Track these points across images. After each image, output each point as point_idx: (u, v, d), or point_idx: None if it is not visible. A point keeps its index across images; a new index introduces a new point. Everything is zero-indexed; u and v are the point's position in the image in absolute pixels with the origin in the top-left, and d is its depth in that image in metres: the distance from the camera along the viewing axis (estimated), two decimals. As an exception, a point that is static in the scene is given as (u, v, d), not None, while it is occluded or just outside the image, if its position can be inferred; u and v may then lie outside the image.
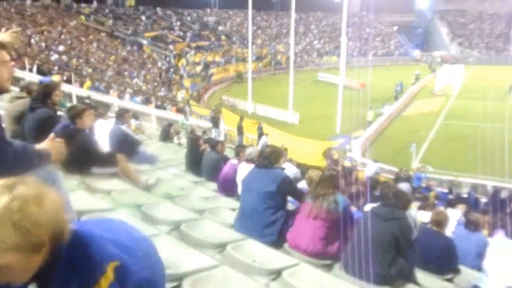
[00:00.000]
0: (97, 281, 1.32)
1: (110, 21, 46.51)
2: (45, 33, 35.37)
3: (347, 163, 16.22)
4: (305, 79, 41.98)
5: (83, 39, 38.37)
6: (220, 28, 57.91)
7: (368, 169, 16.32)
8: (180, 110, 23.45)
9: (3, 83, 2.36)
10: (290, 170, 8.42)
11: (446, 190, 14.81)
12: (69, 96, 15.52)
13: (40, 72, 19.22)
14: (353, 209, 5.20)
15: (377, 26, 67.56)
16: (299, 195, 4.69)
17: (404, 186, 7.61)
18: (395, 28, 70.97)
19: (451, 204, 9.96)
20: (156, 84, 34.32)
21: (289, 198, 4.78)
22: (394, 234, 3.78)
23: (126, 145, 6.42)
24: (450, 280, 4.80)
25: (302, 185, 6.16)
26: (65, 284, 1.32)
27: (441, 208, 7.91)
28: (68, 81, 19.14)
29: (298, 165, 11.25)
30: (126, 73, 33.95)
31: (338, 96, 27.33)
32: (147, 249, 1.70)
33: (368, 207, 4.26)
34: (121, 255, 1.43)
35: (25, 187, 1.26)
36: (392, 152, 21.42)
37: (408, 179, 13.52)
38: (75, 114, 4.89)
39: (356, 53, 57.66)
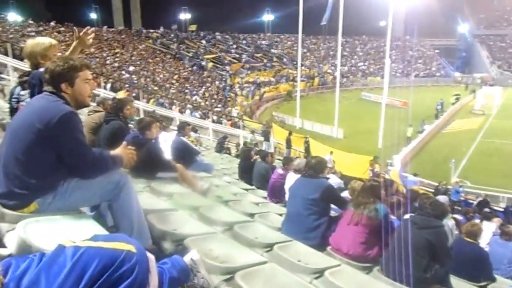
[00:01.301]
0: None
1: (175, 45, 48.01)
2: (118, 55, 36.97)
3: (388, 176, 15.86)
4: (350, 98, 41.44)
5: (150, 60, 39.78)
6: (272, 50, 58.40)
7: (408, 182, 15.90)
8: (234, 125, 23.77)
9: (85, 99, 2.51)
10: (334, 180, 8.36)
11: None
12: (137, 110, 16.13)
13: (113, 89, 20.05)
14: (393, 217, 5.11)
15: (419, 49, 65.80)
16: (341, 203, 4.70)
17: (442, 199, 7.38)
18: (437, 51, 68.96)
19: (487, 217, 9.54)
20: (213, 100, 34.98)
21: (332, 205, 4.78)
22: (429, 241, 3.71)
23: (186, 154, 6.63)
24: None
25: (345, 194, 6.13)
26: None
27: (477, 220, 7.61)
28: (137, 97, 19.90)
29: (342, 177, 11.13)
30: (187, 90, 34.84)
31: (381, 113, 26.86)
32: None
33: (407, 216, 4.20)
34: None
35: None
36: (432, 167, 20.75)
37: (446, 192, 13.08)
38: (144, 126, 5.13)
39: (399, 74, 56.49)
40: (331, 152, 17.80)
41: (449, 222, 5.01)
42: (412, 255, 3.59)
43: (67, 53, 3.55)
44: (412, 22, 57.25)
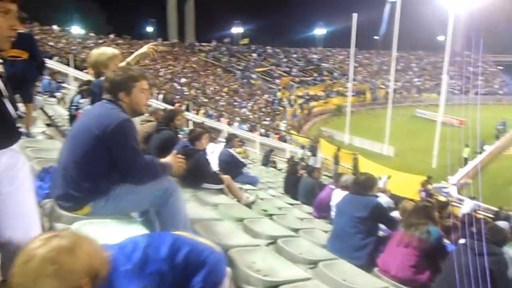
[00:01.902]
0: None
1: (226, 58, 48.93)
2: (171, 67, 38.10)
3: (442, 198, 15.29)
4: (403, 115, 40.39)
5: (201, 72, 40.71)
6: (323, 64, 58.18)
7: (464, 206, 15.21)
8: (281, 139, 23.80)
9: (140, 108, 2.64)
10: (384, 199, 8.17)
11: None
12: (187, 121, 16.53)
13: (165, 100, 20.68)
14: (446, 241, 4.92)
15: (480, 65, 63.22)
16: (391, 223, 4.58)
17: (502, 225, 7.01)
18: (500, 67, 65.91)
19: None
20: (261, 113, 35.23)
21: (381, 225, 4.67)
22: (487, 269, 3.52)
23: (233, 166, 6.72)
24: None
25: (395, 214, 5.97)
26: None
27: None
28: (187, 108, 20.41)
29: (392, 196, 10.84)
30: (236, 103, 35.30)
31: (436, 131, 26.00)
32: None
33: (462, 240, 4.01)
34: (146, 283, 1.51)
35: (60, 239, 1.32)
36: (491, 191, 19.73)
37: (507, 218, 12.38)
38: (195, 136, 5.29)
39: (457, 91, 54.41)
40: (389, 177, 17.13)
41: (509, 250, 4.75)
42: (467, 282, 3.44)
43: (129, 59, 3.74)
44: (473, 37, 55.25)
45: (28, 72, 5.93)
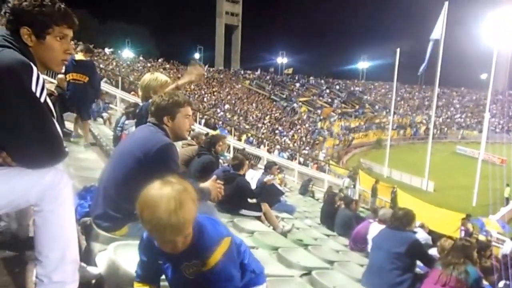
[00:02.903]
0: (213, 251, 1.61)
1: (270, 86, 49.43)
2: (215, 93, 38.78)
3: (482, 237, 14.50)
4: (443, 150, 39.12)
5: (245, 100, 41.12)
6: (365, 97, 57.69)
7: (505, 247, 14.35)
8: (320, 168, 23.50)
9: (183, 132, 2.64)
10: (422, 235, 7.83)
11: None
12: (228, 146, 16.61)
13: (206, 125, 20.90)
14: (485, 283, 4.61)
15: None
16: (428, 260, 4.41)
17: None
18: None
19: None
20: (301, 142, 35.08)
21: (418, 262, 4.45)
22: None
23: (271, 194, 6.63)
24: None
25: (433, 252, 5.70)
26: (195, 254, 1.60)
27: None
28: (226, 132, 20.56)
29: (430, 232, 10.37)
30: (277, 131, 35.34)
31: (477, 169, 24.98)
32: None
33: (501, 283, 3.74)
34: (229, 232, 1.74)
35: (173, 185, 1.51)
36: (533, 232, 18.56)
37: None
38: (238, 163, 5.30)
39: (498, 129, 52.34)
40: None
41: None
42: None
43: (179, 82, 3.77)
44: (516, 75, 53.16)
45: (87, 94, 6.23)
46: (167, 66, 41.99)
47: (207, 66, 49.72)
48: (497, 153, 35.48)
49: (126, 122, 5.77)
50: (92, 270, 2.04)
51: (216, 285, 1.65)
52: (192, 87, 35.38)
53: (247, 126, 32.46)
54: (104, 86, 14.48)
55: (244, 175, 5.54)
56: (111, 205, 2.36)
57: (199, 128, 16.68)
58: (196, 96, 35.37)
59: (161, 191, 1.47)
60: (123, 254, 2.03)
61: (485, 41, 32.85)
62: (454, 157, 39.31)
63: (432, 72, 32.59)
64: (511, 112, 56.02)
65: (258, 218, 5.26)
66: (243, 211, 5.09)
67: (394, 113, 40.85)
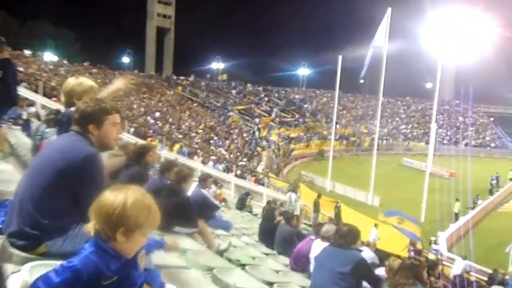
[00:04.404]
0: None
1: (204, 93, 49.47)
2: (145, 100, 38.25)
3: (431, 256, 15.35)
4: (389, 163, 40.85)
5: (177, 107, 40.85)
6: (305, 106, 59.23)
7: (456, 266, 15.27)
8: (258, 181, 23.79)
9: (110, 142, 2.64)
10: (367, 254, 8.17)
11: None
12: (159, 157, 16.39)
13: (136, 134, 20.62)
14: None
15: (471, 115, 64.86)
16: (375, 281, 4.49)
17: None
18: (491, 119, 67.87)
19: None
20: (238, 154, 35.30)
21: (364, 283, 4.62)
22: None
23: (205, 209, 6.65)
24: None
25: (380, 272, 5.94)
26: None
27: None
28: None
29: (376, 251, 10.82)
30: (212, 141, 35.35)
31: (424, 183, 26.35)
32: None
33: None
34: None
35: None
36: (484, 250, 19.69)
37: (503, 283, 12.38)
38: (183, 177, 5.31)
39: (446, 141, 55.56)
40: (376, 225, 17.01)
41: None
42: None
43: (104, 93, 3.74)
44: (463, 85, 56.96)
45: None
46: (94, 70, 41.17)
47: (136, 71, 49.18)
48: (446, 165, 37.51)
49: (47, 130, 5.61)
50: (2, 295, 1.98)
51: None
52: (120, 93, 34.55)
53: (179, 136, 32.18)
54: (23, 91, 13.94)
55: (186, 190, 5.57)
56: (27, 221, 2.29)
57: (128, 137, 16.38)
58: (125, 103, 34.62)
59: (135, 189, 1.85)
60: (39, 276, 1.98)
61: (430, 50, 34.98)
62: (401, 170, 41.12)
63: (376, 81, 34.20)
64: (458, 123, 59.90)
65: (191, 235, 5.27)
66: (177, 228, 5.08)
67: (337, 123, 42.19)
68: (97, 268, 1.74)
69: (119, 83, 3.95)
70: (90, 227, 1.80)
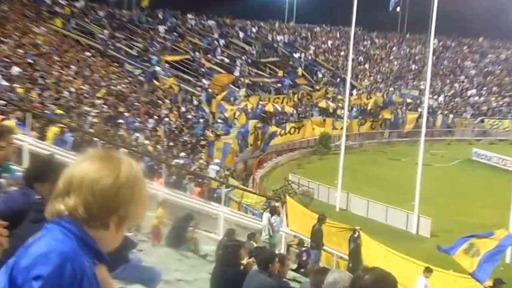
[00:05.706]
0: None
1: (105, 31, 48.75)
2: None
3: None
4: (447, 156, 41.50)
5: (55, 57, 40.24)
6: (296, 55, 58.98)
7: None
8: (209, 193, 23.76)
9: None
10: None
11: None
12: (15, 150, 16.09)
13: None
14: None
15: None
16: None
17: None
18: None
19: None
20: (172, 144, 35.12)
21: None
22: None
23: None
24: None
25: None
26: None
27: None
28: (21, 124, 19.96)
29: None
30: (121, 120, 34.90)
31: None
32: None
33: None
34: None
35: None
36: None
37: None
38: None
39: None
40: (427, 271, 17.06)
41: None
42: None
43: None
44: None
45: None
46: None
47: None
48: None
49: None
50: None
51: None
52: None
53: (59, 110, 31.78)
54: None
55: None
56: None
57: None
58: None
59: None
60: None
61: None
62: (469, 169, 42.01)
63: (420, 10, 34.45)
64: None
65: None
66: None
67: (353, 86, 42.49)
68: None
69: None
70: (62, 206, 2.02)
